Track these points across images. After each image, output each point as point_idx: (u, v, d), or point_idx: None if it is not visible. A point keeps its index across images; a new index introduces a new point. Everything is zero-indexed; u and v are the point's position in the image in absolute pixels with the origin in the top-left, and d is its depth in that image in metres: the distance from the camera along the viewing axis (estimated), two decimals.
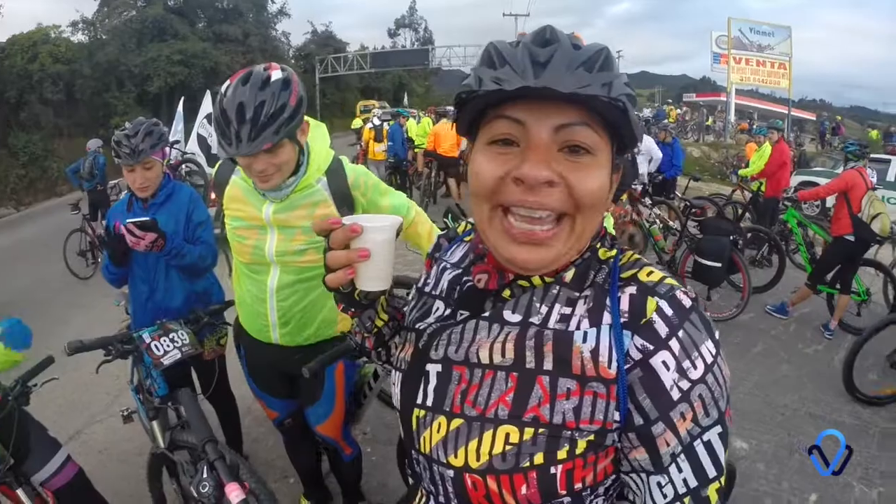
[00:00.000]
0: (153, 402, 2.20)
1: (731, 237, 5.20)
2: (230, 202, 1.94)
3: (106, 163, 7.90)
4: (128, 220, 2.25)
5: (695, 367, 0.69)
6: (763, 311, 5.70)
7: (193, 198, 2.62)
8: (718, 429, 0.70)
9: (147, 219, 2.28)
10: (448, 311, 0.86)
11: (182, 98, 10.63)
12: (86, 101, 25.64)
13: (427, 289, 0.94)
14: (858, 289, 5.40)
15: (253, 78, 1.61)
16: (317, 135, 1.93)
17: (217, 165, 2.04)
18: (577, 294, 0.76)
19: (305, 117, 1.76)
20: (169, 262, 2.46)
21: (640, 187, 7.02)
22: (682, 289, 0.73)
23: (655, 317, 0.70)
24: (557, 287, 0.77)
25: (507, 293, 0.80)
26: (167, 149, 8.21)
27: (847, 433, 3.58)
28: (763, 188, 7.92)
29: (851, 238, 4.99)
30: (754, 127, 16.51)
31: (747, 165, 9.71)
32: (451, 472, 0.76)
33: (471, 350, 0.78)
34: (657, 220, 6.51)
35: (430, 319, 0.87)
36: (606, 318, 0.73)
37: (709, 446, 0.69)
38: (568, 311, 0.75)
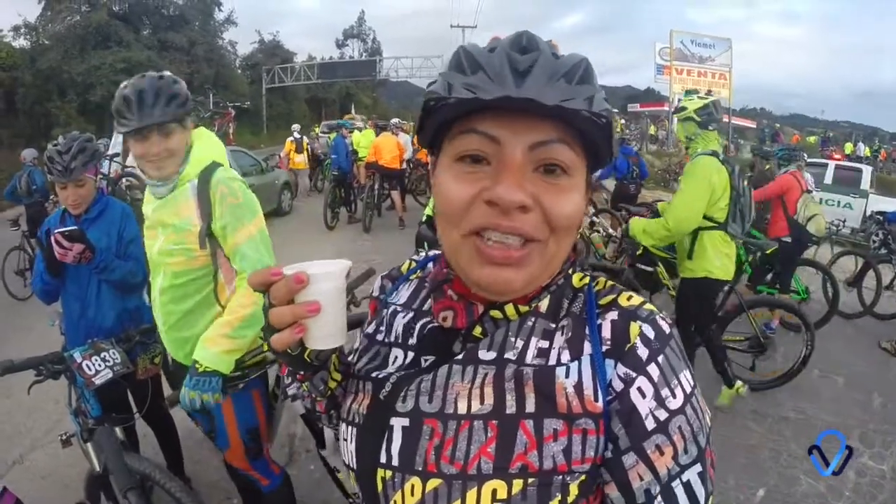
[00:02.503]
0: (88, 424, 2.12)
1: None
2: (145, 206, 2.01)
3: (45, 178, 7.58)
4: (55, 231, 2.20)
5: (674, 395, 0.63)
6: None
7: (126, 214, 2.60)
8: (698, 468, 0.63)
9: (74, 228, 2.23)
10: (409, 359, 0.77)
11: None
12: (26, 110, 24.75)
13: (379, 336, 0.83)
14: (798, 288, 5.62)
15: (149, 74, 1.86)
16: (203, 143, 1.99)
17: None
18: (554, 326, 0.70)
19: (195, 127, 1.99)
20: (99, 277, 2.41)
21: None
22: (662, 315, 0.68)
23: (639, 341, 0.65)
24: (533, 318, 0.71)
25: (478, 331, 0.72)
26: (106, 162, 8.00)
27: (792, 428, 3.71)
28: None
29: (788, 239, 5.19)
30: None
31: None
32: None
33: (447, 400, 0.69)
34: (599, 228, 6.62)
35: (390, 369, 0.77)
36: (587, 348, 0.67)
37: (688, 487, 0.62)
38: (545, 344, 0.69)
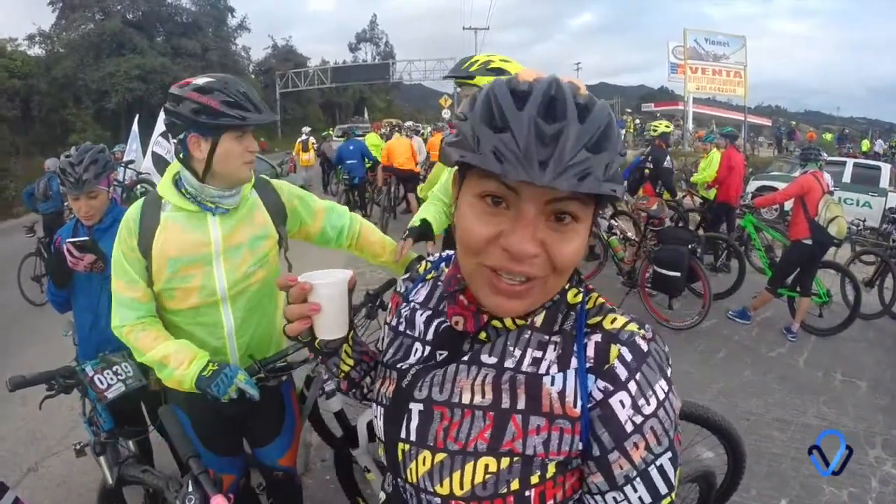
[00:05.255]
0: (101, 437, 2.11)
1: (690, 245, 5.27)
2: (166, 246, 1.74)
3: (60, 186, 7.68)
4: (66, 241, 2.20)
5: (648, 403, 0.77)
6: (725, 317, 5.79)
7: None
8: (669, 454, 0.79)
9: (86, 238, 2.24)
10: (427, 352, 0.92)
11: (138, 116, 10.37)
12: (42, 117, 25.08)
13: (401, 328, 1.00)
14: (819, 291, 5.52)
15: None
16: None
17: (140, 209, 1.80)
18: (547, 338, 0.84)
19: None
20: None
21: None
22: (642, 333, 0.80)
23: (617, 362, 0.78)
24: (529, 332, 0.85)
25: (483, 336, 0.87)
26: (121, 168, 8.06)
27: (815, 436, 3.64)
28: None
29: (809, 241, 5.10)
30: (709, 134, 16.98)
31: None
32: (437, 500, 0.84)
33: (454, 392, 0.85)
34: (617, 232, 6.56)
35: (412, 360, 0.94)
36: (573, 363, 0.80)
37: (661, 470, 0.78)
38: (539, 354, 0.83)
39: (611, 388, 0.77)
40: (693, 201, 9.12)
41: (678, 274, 5.18)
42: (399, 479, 0.91)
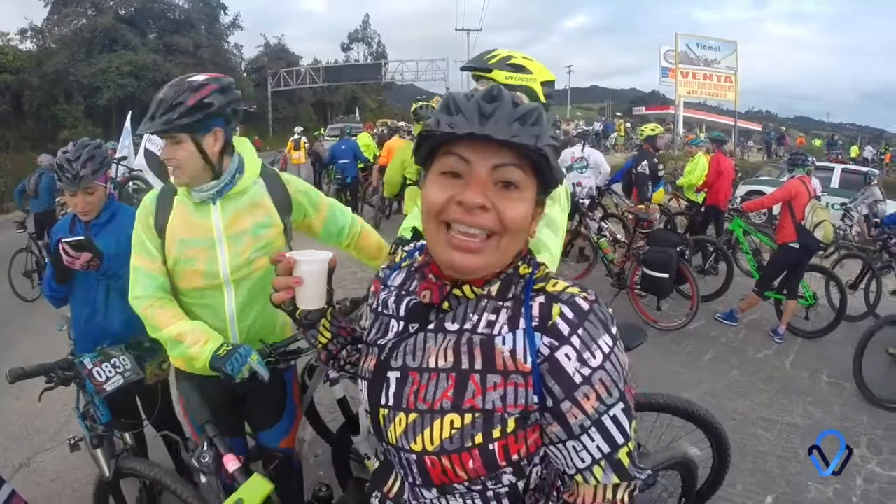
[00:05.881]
0: (98, 430, 2.12)
1: (678, 248, 5.33)
2: (176, 227, 1.87)
3: (52, 183, 7.62)
4: (62, 240, 2.20)
5: (594, 356, 0.86)
6: (713, 318, 5.85)
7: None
8: (621, 405, 0.88)
9: (81, 237, 2.24)
10: (402, 327, 1.03)
11: (130, 112, 10.32)
12: (33, 113, 24.87)
13: (380, 309, 1.10)
14: (805, 293, 5.60)
15: (179, 79, 1.79)
16: (249, 149, 1.99)
17: (157, 194, 1.95)
18: (501, 304, 0.94)
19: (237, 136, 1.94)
20: (108, 283, 2.44)
21: (587, 201, 7.13)
22: (583, 295, 0.90)
23: (559, 320, 0.88)
24: (486, 300, 0.96)
25: (446, 305, 0.98)
26: (113, 164, 8.01)
27: (800, 435, 3.70)
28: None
29: (796, 245, 5.18)
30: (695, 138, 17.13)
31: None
32: (413, 457, 0.94)
33: (424, 358, 0.96)
34: (606, 234, 6.61)
35: (390, 336, 1.04)
36: (522, 323, 0.90)
37: (615, 420, 0.87)
38: (493, 318, 0.93)
39: (556, 343, 0.87)
40: (679, 204, 9.17)
41: (666, 276, 5.25)
42: (384, 444, 1.02)
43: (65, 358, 2.18)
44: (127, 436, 2.19)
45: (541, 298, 0.91)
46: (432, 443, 0.91)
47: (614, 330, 0.90)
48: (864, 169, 12.70)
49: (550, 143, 0.87)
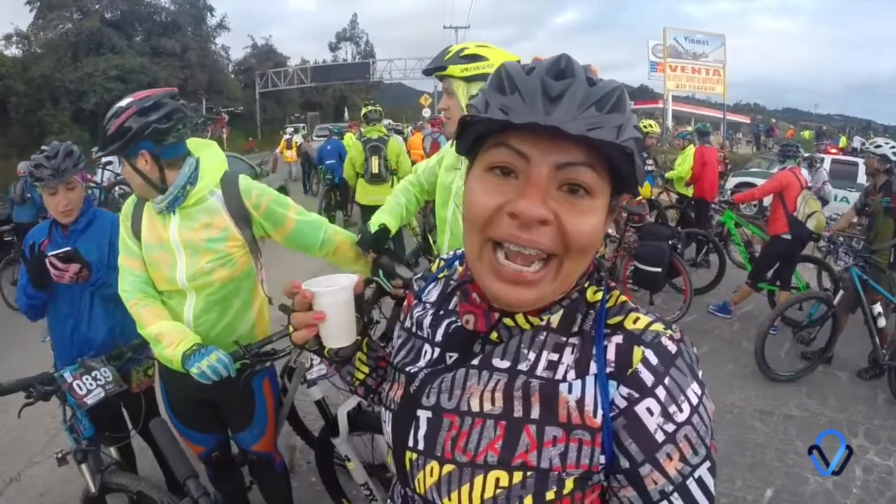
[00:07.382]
0: (81, 444, 2.07)
1: (670, 241, 5.31)
2: (146, 232, 1.95)
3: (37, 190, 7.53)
4: (49, 253, 2.18)
5: (681, 410, 0.70)
6: (706, 311, 5.83)
7: (115, 223, 2.52)
8: (707, 464, 0.72)
9: (69, 249, 2.21)
10: (437, 354, 0.86)
11: None
12: (20, 119, 24.69)
13: (415, 329, 0.93)
14: (798, 284, 5.59)
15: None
16: (210, 153, 1.98)
17: (135, 199, 2.02)
18: (565, 339, 0.77)
19: (196, 139, 2.00)
20: (94, 292, 2.41)
21: None
22: (668, 333, 0.73)
23: (641, 367, 0.71)
24: (545, 333, 0.78)
25: (494, 336, 0.80)
26: (99, 170, 7.94)
27: (797, 426, 3.69)
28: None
29: (788, 236, 5.17)
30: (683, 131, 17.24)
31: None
32: None
33: (462, 398, 0.79)
34: None
35: (421, 363, 0.87)
36: (592, 367, 0.73)
37: (700, 482, 0.71)
38: (555, 357, 0.76)
39: (636, 394, 0.70)
40: (669, 197, 9.17)
41: (659, 269, 5.21)
42: (408, 489, 0.85)
43: (44, 372, 2.12)
44: (112, 450, 2.16)
45: (618, 338, 0.74)
46: (471, 502, 0.74)
47: (700, 374, 0.74)
48: (854, 159, 12.78)
49: (634, 134, 0.67)
